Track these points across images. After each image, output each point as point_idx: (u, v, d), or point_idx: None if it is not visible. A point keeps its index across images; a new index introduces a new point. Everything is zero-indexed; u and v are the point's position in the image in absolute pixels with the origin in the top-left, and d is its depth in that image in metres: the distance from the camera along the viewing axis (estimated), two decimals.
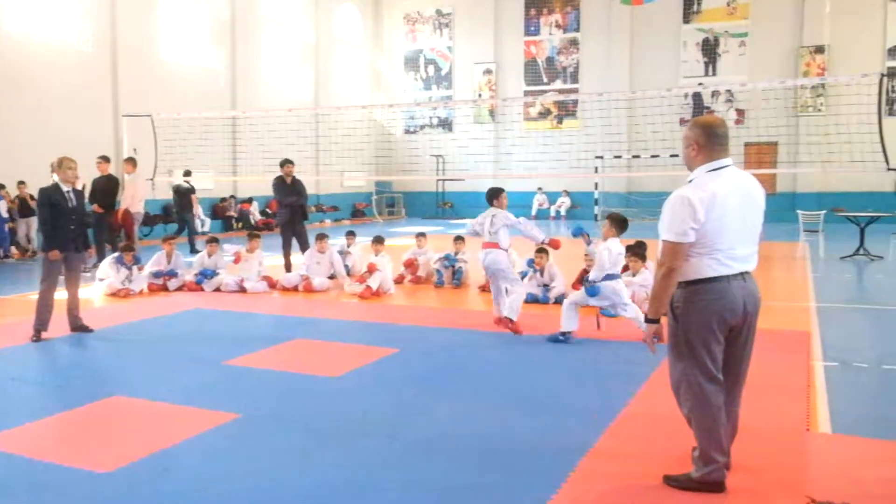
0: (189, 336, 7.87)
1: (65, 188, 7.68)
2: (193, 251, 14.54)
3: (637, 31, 26.79)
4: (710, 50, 26.09)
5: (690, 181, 3.78)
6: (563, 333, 7.23)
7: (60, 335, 7.71)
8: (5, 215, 14.66)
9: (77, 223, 7.76)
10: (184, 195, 16.25)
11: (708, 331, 3.71)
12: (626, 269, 8.58)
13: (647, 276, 8.65)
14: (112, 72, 19.23)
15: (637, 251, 8.85)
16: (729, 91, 24.75)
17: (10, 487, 3.98)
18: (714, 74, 25.94)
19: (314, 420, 5.05)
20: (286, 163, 11.90)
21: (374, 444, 4.58)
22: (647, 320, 3.91)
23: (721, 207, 3.63)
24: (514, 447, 4.49)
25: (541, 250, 9.84)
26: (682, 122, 24.93)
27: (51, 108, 17.36)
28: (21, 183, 15.15)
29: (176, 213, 16.84)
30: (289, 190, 11.76)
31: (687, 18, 26.26)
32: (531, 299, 9.56)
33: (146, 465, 4.23)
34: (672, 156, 21.09)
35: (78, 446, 4.60)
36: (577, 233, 7.56)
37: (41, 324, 7.53)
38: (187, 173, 16.69)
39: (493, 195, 8.12)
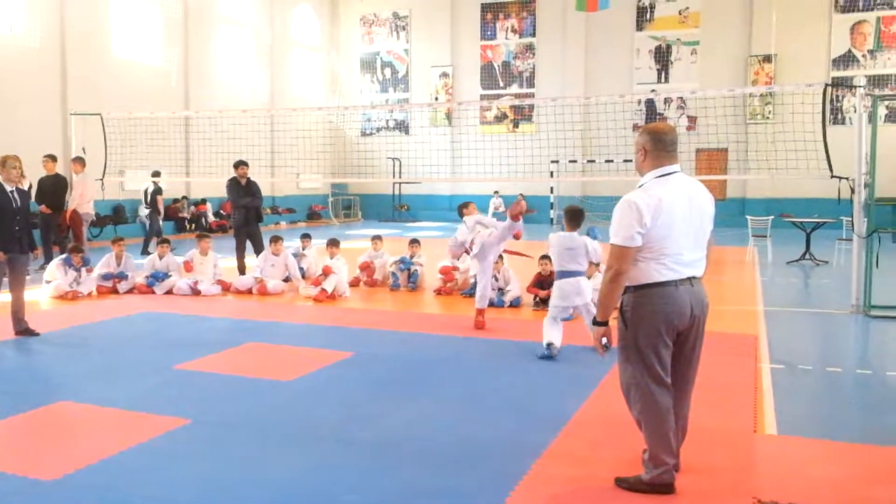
0: (139, 340, 7.71)
1: (8, 188, 7.49)
2: (145, 252, 14.29)
3: (592, 38, 27.11)
4: (662, 57, 26.54)
5: (640, 186, 3.84)
6: (549, 345, 6.84)
7: (4, 339, 7.51)
8: None
9: (22, 224, 7.55)
10: (153, 196, 16.11)
11: (656, 335, 3.77)
12: None
13: (599, 279, 8.70)
14: (61, 68, 18.78)
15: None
16: (681, 98, 25.19)
17: None
18: (667, 81, 26.39)
19: (266, 425, 5.00)
20: (240, 164, 11.76)
21: (327, 449, 4.55)
22: (596, 323, 3.93)
23: (668, 213, 3.69)
24: (468, 450, 4.50)
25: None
26: (636, 127, 25.31)
27: None
28: None
29: (150, 213, 16.53)
30: (243, 191, 11.63)
31: (640, 26, 26.67)
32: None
33: (93, 473, 4.13)
34: (626, 161, 21.33)
35: (22, 453, 4.47)
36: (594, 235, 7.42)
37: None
38: (156, 174, 16.46)
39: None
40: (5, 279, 7.57)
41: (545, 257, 9.74)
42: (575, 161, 25.40)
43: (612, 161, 22.72)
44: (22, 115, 17.46)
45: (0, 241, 7.37)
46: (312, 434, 4.81)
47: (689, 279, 3.80)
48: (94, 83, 19.19)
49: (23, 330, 7.66)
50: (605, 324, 3.88)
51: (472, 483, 4.03)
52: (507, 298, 9.63)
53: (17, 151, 13.98)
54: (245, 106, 22.10)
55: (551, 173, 24.93)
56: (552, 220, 25.96)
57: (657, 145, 3.84)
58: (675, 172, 3.83)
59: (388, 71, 30.11)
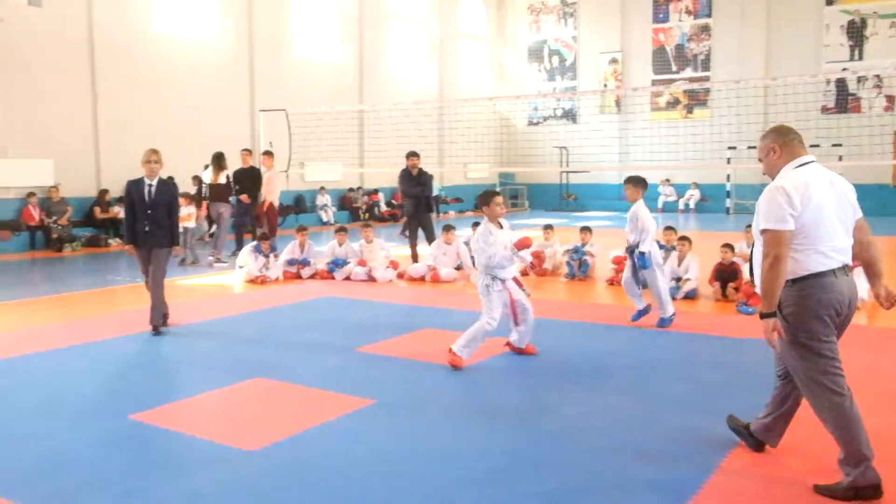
0: (323, 323, 8.14)
1: (148, 181, 7.44)
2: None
3: (774, 15, 25.42)
4: (856, 32, 24.41)
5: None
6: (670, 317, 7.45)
7: (199, 320, 8.15)
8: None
9: (157, 218, 7.40)
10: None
11: (823, 327, 3.64)
12: None
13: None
14: (249, 68, 20.14)
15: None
16: (878, 76, 23.08)
17: (171, 462, 4.24)
18: (860, 59, 24.25)
19: (446, 409, 5.11)
20: (411, 155, 12.08)
21: (506, 435, 4.58)
22: (763, 315, 3.68)
23: (816, 197, 3.62)
24: (649, 443, 4.37)
25: (671, 229, 9.82)
26: (825, 109, 23.54)
27: (195, 105, 18.41)
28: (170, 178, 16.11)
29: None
30: (414, 182, 11.94)
31: (830, 0, 24.70)
32: None
33: (288, 446, 4.40)
34: (812, 146, 19.92)
35: (226, 424, 4.84)
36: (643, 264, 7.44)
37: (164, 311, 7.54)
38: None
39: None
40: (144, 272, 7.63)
41: (727, 245, 9.32)
42: (754, 147, 23.89)
43: None
44: (216, 112, 18.92)
45: (129, 234, 7.49)
46: (491, 420, 4.86)
47: (844, 267, 3.69)
48: (278, 81, 20.43)
49: (158, 325, 7.48)
50: (773, 314, 3.66)
51: (658, 475, 3.91)
52: (684, 290, 9.25)
53: (211, 145, 15.19)
54: (414, 98, 22.69)
55: (728, 160, 23.68)
56: (728, 209, 24.69)
57: (787, 139, 3.81)
58: (812, 162, 3.77)
59: (555, 59, 29.81)
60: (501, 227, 6.40)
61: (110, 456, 4.29)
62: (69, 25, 15.97)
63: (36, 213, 15.21)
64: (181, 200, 13.25)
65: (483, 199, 6.43)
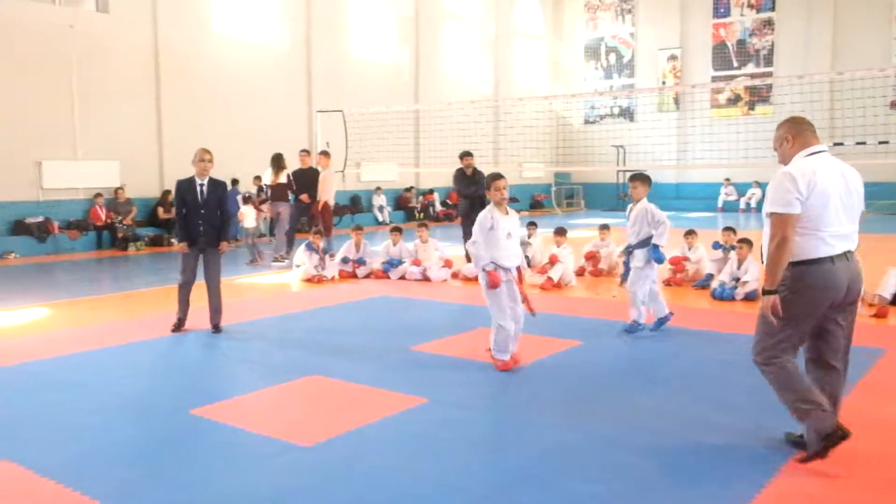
0: (378, 322, 8.22)
1: (199, 181, 7.54)
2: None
3: (842, 8, 24.66)
4: None
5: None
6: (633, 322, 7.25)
7: (254, 318, 8.31)
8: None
9: (209, 217, 7.51)
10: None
11: (810, 310, 3.91)
12: None
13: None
14: (307, 69, 20.45)
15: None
16: None
17: (230, 456, 4.35)
18: None
19: (498, 408, 5.13)
20: (465, 155, 12.09)
21: (557, 435, 4.55)
22: (766, 292, 3.91)
23: (822, 184, 3.81)
24: (710, 439, 4.30)
25: (730, 230, 9.64)
26: (894, 105, 22.72)
27: (254, 106, 18.79)
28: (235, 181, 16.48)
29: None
30: (468, 181, 11.95)
31: None
32: (718, 294, 9.14)
33: (343, 442, 4.46)
34: (881, 142, 19.25)
35: (284, 420, 4.94)
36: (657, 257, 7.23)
37: (180, 313, 7.62)
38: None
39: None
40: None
41: None
42: None
43: (864, 143, 20.55)
44: (274, 112, 19.28)
45: (186, 232, 7.53)
46: (542, 419, 4.84)
47: (845, 254, 3.91)
48: (335, 82, 20.70)
49: (215, 325, 7.61)
50: (775, 292, 3.88)
51: (713, 476, 3.85)
52: (744, 291, 9.05)
53: (270, 146, 15.47)
54: (470, 97, 22.70)
55: None
56: None
57: (800, 128, 4.02)
58: (823, 151, 3.97)
59: (612, 56, 29.48)
60: (507, 213, 6.16)
61: (172, 449, 4.42)
62: (135, 30, 16.47)
63: (103, 213, 15.73)
64: (243, 201, 13.62)
65: (485, 183, 6.29)
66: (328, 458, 4.24)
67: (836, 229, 3.85)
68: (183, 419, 4.92)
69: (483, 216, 6.11)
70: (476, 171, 12.07)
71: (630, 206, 7.49)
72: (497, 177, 6.15)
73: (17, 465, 4.14)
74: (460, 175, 12.07)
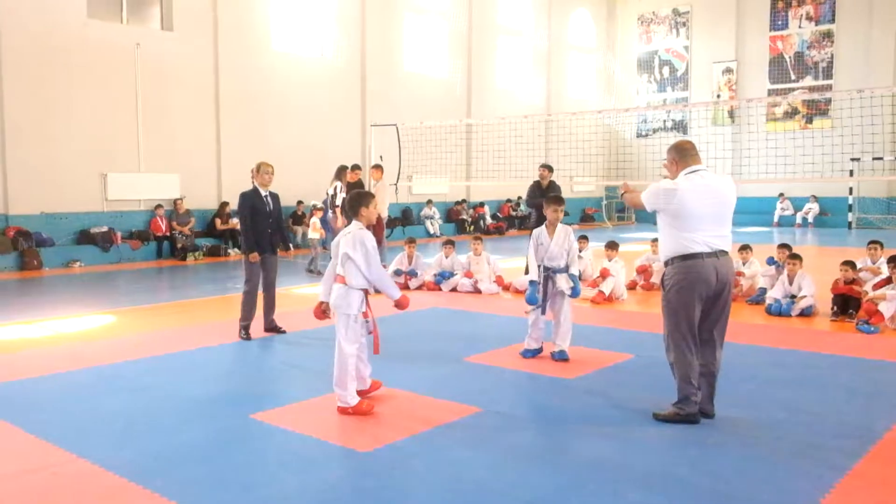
0: (432, 333, 8.34)
1: (263, 192, 7.87)
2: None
3: None
4: None
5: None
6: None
7: (317, 326, 8.48)
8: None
9: (274, 226, 7.95)
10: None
11: (687, 298, 4.84)
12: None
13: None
14: (361, 84, 20.80)
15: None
16: None
17: (288, 459, 4.49)
18: None
19: (550, 419, 5.17)
20: (544, 167, 12.11)
21: (609, 446, 4.58)
22: (623, 196, 5.53)
23: (690, 195, 4.78)
24: (764, 454, 4.28)
25: (785, 247, 9.52)
26: None
27: (310, 120, 19.19)
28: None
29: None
30: (540, 193, 11.94)
31: None
32: (774, 310, 9.02)
33: (397, 449, 4.57)
34: None
35: (340, 426, 5.06)
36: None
37: (245, 321, 7.85)
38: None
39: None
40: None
41: (847, 263, 8.94)
42: (881, 158, 22.74)
43: None
44: (329, 126, 19.65)
45: (255, 242, 7.82)
46: (597, 430, 4.89)
47: (716, 253, 4.82)
48: (389, 96, 21.00)
49: (272, 328, 8.09)
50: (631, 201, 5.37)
51: (787, 476, 3.83)
52: (800, 306, 8.92)
53: (325, 160, 15.79)
54: (521, 111, 22.77)
55: (851, 172, 22.55)
56: (850, 223, 23.51)
57: (683, 153, 5.00)
58: (701, 169, 4.93)
59: (666, 69, 29.27)
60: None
61: (233, 451, 4.58)
62: (197, 48, 17.00)
63: (163, 224, 16.23)
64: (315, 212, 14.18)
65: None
66: (384, 463, 4.34)
67: (705, 234, 4.78)
68: (243, 423, 5.09)
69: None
70: (552, 184, 12.10)
71: None
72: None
73: (87, 461, 4.34)
74: (535, 187, 12.11)
